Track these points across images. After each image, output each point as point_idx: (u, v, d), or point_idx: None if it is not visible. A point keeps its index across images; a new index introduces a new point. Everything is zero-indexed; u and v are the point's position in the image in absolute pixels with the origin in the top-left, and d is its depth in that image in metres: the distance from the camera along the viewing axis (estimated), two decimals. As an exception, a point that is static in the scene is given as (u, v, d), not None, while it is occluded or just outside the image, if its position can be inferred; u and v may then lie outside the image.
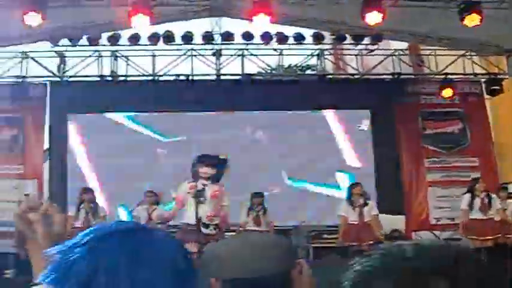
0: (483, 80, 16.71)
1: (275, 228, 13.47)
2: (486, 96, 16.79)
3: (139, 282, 1.12)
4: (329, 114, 16.49)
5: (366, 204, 11.97)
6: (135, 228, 1.26)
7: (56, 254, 1.22)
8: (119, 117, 16.45)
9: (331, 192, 15.94)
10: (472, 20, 11.88)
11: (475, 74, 16.79)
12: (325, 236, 14.66)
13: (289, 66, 19.14)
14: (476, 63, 16.90)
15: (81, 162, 15.99)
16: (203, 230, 9.12)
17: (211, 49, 16.49)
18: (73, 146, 16.17)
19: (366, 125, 16.50)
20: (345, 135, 16.54)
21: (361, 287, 1.11)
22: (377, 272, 1.10)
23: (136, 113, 16.34)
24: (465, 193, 12.44)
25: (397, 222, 15.21)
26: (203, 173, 9.40)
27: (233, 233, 10.50)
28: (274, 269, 1.95)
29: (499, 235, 12.12)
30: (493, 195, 12.45)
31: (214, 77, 16.79)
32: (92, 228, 1.28)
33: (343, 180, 15.82)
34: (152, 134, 16.39)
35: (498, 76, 16.44)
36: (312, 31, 15.72)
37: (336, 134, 16.51)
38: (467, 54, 16.71)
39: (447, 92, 16.08)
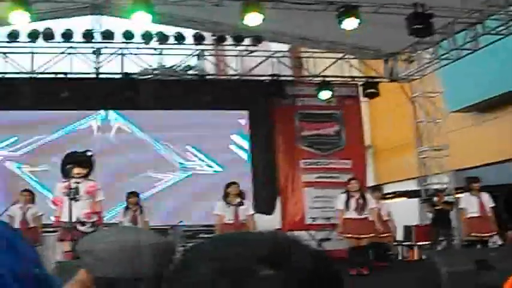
0: (360, 83, 17.08)
1: (152, 228, 13.41)
2: (364, 99, 17.20)
3: None
4: (208, 114, 16.47)
5: (241, 203, 12.08)
6: None
7: None
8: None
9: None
10: (350, 23, 12.15)
11: (353, 77, 17.16)
12: (202, 235, 14.70)
13: (171, 66, 18.99)
14: (354, 67, 17.28)
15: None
16: (80, 227, 8.96)
17: (91, 47, 16.13)
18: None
19: (243, 125, 16.64)
20: (224, 134, 16.65)
21: (182, 270, 1.05)
22: (202, 255, 1.05)
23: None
24: (341, 193, 12.71)
25: (273, 222, 15.38)
26: (76, 173, 9.26)
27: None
28: (150, 269, 1.92)
29: (374, 234, 12.48)
30: (368, 196, 12.80)
31: (93, 76, 16.43)
32: None
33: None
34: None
35: (375, 79, 16.85)
36: (192, 31, 15.67)
37: (215, 133, 16.55)
38: (345, 57, 17.07)
39: (325, 94, 16.38)
